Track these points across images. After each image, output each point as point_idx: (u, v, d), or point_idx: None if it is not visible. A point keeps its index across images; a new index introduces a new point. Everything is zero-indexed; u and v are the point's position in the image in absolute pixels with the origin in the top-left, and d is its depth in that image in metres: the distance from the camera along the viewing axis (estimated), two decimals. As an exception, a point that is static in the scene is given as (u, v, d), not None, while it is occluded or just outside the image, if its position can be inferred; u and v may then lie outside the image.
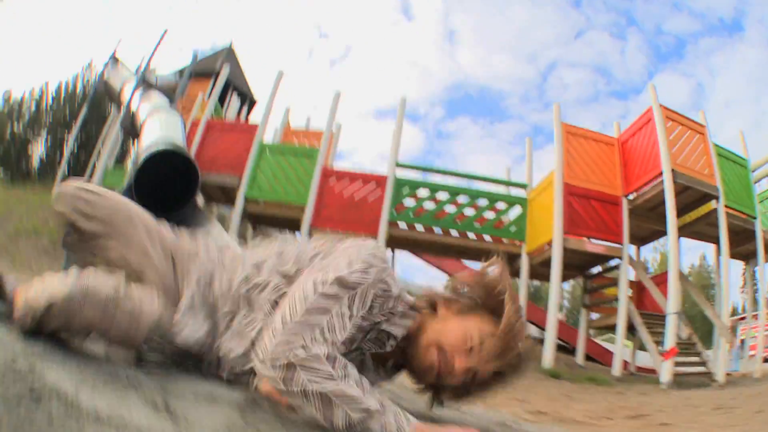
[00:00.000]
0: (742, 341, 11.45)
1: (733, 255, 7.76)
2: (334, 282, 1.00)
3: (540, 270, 7.11)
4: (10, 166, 14.25)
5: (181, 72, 10.35)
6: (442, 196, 6.83)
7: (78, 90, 14.76)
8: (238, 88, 13.93)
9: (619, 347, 6.77)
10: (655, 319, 7.03)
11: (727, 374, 6.18)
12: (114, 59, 11.08)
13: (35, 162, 14.69)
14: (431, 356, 1.10)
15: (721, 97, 74.70)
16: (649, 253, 35.36)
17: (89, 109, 12.53)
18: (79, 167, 12.91)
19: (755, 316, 11.19)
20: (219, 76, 8.58)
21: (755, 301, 9.81)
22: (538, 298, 28.73)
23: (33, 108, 14.79)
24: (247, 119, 14.17)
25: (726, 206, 6.76)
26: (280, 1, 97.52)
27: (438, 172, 7.18)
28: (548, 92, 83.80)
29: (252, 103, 14.64)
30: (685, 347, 6.48)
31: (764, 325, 7.58)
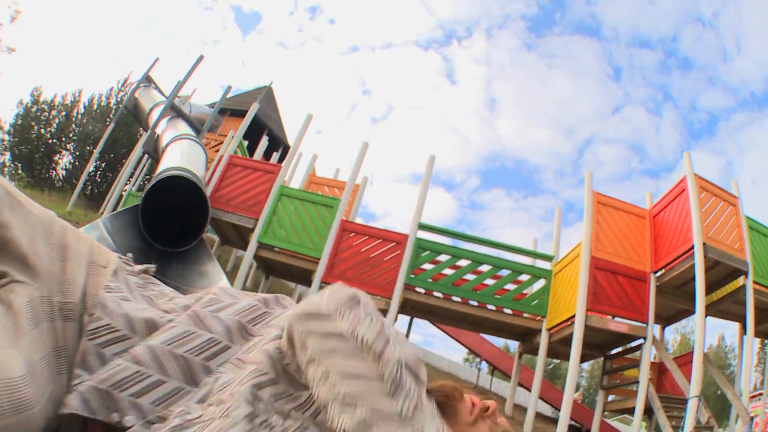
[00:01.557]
0: (752, 418, 11.01)
1: (757, 333, 7.40)
2: None
3: (559, 348, 6.83)
4: (33, 170, 14.35)
5: (214, 105, 10.43)
6: (463, 263, 6.58)
7: (111, 105, 14.94)
8: (272, 132, 13.79)
9: (636, 430, 6.43)
10: (674, 402, 6.77)
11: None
12: (148, 78, 11.25)
13: (60, 171, 14.88)
14: None
15: (749, 174, 73.38)
16: (669, 333, 34.59)
17: (120, 130, 12.72)
18: (104, 186, 13.03)
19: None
20: (248, 112, 8.54)
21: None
22: (555, 376, 28.14)
23: (63, 115, 14.92)
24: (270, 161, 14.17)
25: (754, 282, 6.42)
26: (326, 52, 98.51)
27: (461, 237, 6.95)
28: (583, 168, 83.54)
29: (285, 150, 14.58)
30: (703, 431, 6.16)
31: None
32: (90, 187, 13.16)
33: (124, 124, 12.69)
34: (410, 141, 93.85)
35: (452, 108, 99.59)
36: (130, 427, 0.76)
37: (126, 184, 10.15)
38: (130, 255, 1.07)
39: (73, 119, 14.97)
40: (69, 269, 0.83)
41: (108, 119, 13.62)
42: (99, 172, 13.61)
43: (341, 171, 9.58)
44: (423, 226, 6.62)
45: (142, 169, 11.04)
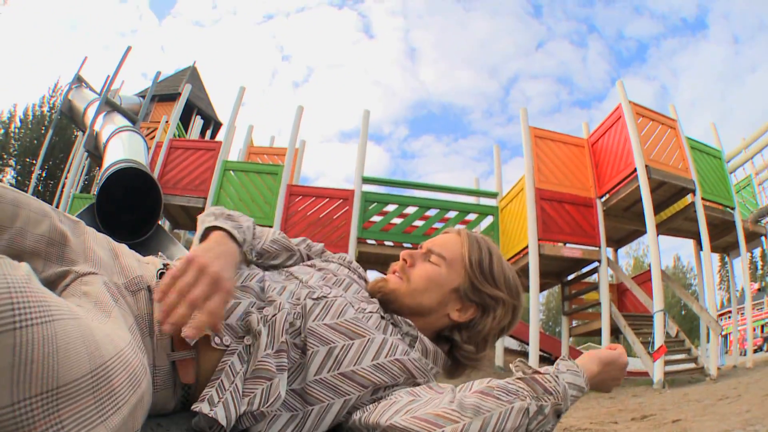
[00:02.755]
0: (724, 336, 11.45)
1: (712, 249, 7.70)
2: None
3: (516, 280, 6.95)
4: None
5: (144, 94, 10.20)
6: (410, 210, 6.65)
7: (45, 113, 14.47)
8: (201, 111, 13.60)
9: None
10: (640, 320, 6.95)
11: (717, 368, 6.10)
12: (78, 79, 10.89)
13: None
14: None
15: (686, 97, 75.78)
16: (622, 258, 35.62)
17: (55, 135, 12.31)
18: (47, 195, 12.63)
19: (740, 310, 11.25)
20: (181, 96, 8.39)
21: (740, 294, 9.78)
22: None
23: (2, 132, 14.45)
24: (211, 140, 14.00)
25: (703, 199, 6.68)
26: (242, 24, 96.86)
27: (405, 185, 7.05)
28: (511, 105, 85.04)
29: (216, 126, 14.42)
30: (674, 345, 6.39)
31: (752, 318, 7.55)
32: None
33: (58, 129, 12.30)
34: (335, 100, 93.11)
35: (373, 62, 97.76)
36: (228, 347, 0.84)
37: (71, 188, 9.89)
38: (160, 254, 1.11)
39: (12, 135, 14.49)
40: (123, 262, 0.90)
41: (43, 128, 13.19)
42: (41, 182, 13.22)
43: (276, 138, 9.63)
44: (367, 180, 6.67)
45: (82, 170, 10.76)
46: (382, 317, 0.97)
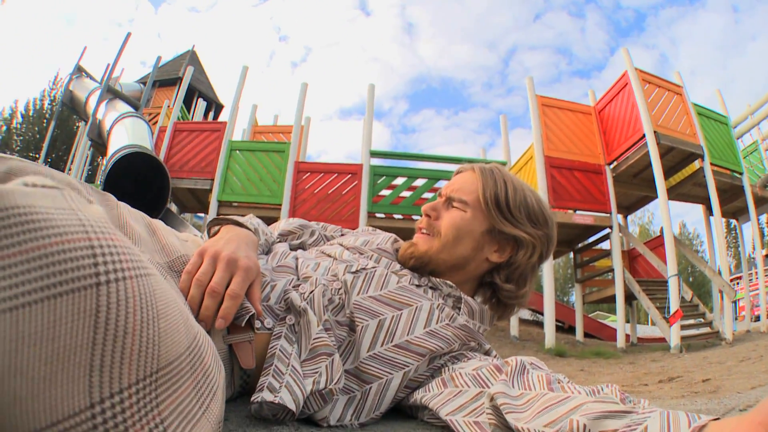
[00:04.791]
0: (734, 302, 11.44)
1: (722, 214, 7.67)
2: None
3: (527, 248, 6.93)
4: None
5: (144, 80, 10.15)
6: (419, 183, 6.61)
7: (45, 107, 14.45)
8: (203, 94, 13.58)
9: (621, 317, 6.63)
10: (653, 285, 6.94)
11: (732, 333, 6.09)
12: (79, 69, 10.83)
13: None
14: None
15: (686, 65, 75.58)
16: (629, 226, 35.71)
17: (57, 127, 12.29)
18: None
19: (750, 276, 11.21)
20: (183, 78, 8.32)
21: (749, 260, 9.73)
22: (528, 281, 28.99)
23: (4, 130, 14.48)
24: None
25: (711, 164, 6.65)
26: (238, 7, 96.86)
27: (414, 157, 6.98)
28: (510, 77, 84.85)
29: (218, 108, 14.39)
30: (688, 309, 6.38)
31: (765, 283, 7.53)
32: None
33: (60, 121, 12.28)
34: (333, 78, 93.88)
35: (371, 39, 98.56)
36: (270, 329, 0.80)
37: (76, 178, 9.88)
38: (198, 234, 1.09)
39: (14, 130, 14.51)
40: (162, 239, 0.80)
41: (45, 121, 13.17)
42: (45, 175, 13.21)
43: (280, 117, 9.62)
44: (375, 153, 6.61)
45: (86, 160, 10.74)
46: (419, 285, 0.93)
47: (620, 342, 6.53)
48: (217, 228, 0.92)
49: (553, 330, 6.12)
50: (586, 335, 8.05)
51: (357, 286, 0.87)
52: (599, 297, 7.78)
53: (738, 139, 8.73)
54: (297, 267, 0.92)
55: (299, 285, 0.86)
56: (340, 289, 0.86)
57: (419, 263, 0.98)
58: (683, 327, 5.92)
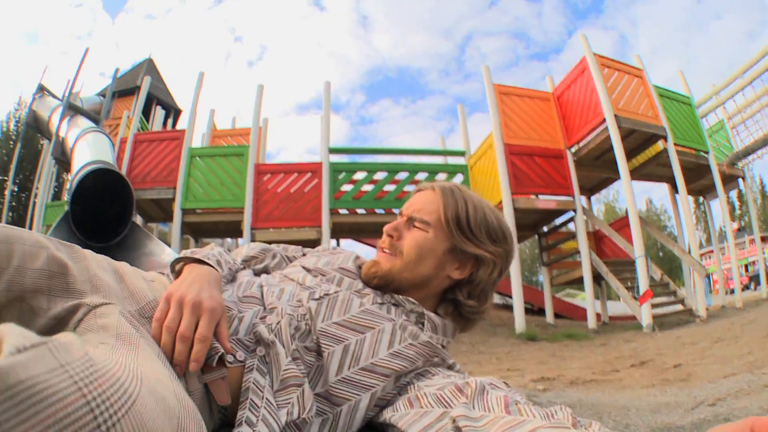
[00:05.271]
0: (708, 275, 11.57)
1: (688, 192, 7.80)
2: None
3: (491, 235, 6.99)
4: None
5: (104, 93, 10.11)
6: (379, 176, 6.64)
7: (11, 129, 14.27)
8: (161, 101, 13.51)
9: (590, 298, 6.71)
10: (620, 266, 7.02)
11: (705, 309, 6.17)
12: (41, 88, 10.75)
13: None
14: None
15: (646, 46, 76.41)
16: (593, 205, 36.09)
17: (23, 147, 12.16)
18: (21, 209, 12.51)
19: (721, 250, 11.39)
20: (141, 88, 8.29)
21: (720, 234, 9.87)
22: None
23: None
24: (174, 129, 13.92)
25: (675, 144, 6.76)
26: (193, 10, 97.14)
27: (372, 151, 7.04)
28: (467, 63, 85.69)
29: (177, 114, 14.36)
30: (659, 288, 6.47)
31: (737, 257, 7.66)
32: (11, 214, 12.62)
33: (25, 141, 12.16)
34: (289, 75, 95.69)
35: (326, 34, 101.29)
36: (242, 361, 0.82)
37: (43, 197, 9.78)
38: (164, 272, 1.07)
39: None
40: (130, 285, 0.83)
41: (11, 143, 13.02)
42: (14, 197, 13.05)
43: (237, 119, 9.69)
44: (334, 150, 6.64)
45: (52, 177, 10.65)
46: (381, 303, 0.96)
47: (591, 322, 6.59)
48: (181, 265, 0.95)
49: (522, 315, 6.17)
50: (557, 316, 8.12)
51: (321, 313, 0.89)
52: (567, 279, 7.86)
53: (703, 118, 8.88)
54: (263, 296, 0.94)
55: (265, 317, 0.88)
56: (305, 314, 0.89)
57: (383, 282, 1.00)
58: (654, 306, 6.00)
